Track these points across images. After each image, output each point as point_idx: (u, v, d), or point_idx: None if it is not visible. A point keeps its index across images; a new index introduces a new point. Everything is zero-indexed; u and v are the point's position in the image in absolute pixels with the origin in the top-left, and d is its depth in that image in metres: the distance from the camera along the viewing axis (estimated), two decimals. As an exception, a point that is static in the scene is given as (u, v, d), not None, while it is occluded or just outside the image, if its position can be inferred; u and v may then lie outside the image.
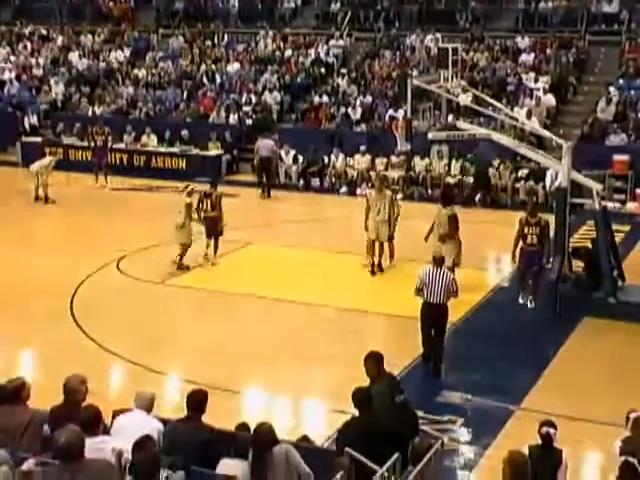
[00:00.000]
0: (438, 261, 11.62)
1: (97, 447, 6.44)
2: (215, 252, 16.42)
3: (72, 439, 5.98)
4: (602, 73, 25.95)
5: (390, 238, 15.85)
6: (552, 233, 14.16)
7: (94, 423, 6.67)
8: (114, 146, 25.73)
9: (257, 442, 6.96)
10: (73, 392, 7.31)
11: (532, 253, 13.91)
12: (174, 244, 16.26)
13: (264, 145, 23.64)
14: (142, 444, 6.35)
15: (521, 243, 14.07)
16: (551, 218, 14.55)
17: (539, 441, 7.35)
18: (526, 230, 13.90)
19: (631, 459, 6.71)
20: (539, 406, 10.40)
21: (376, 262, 15.74)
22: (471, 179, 22.07)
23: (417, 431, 7.81)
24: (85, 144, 25.21)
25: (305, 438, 8.13)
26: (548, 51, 26.50)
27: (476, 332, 13.13)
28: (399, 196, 17.02)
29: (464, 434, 10.09)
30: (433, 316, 11.44)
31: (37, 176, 21.48)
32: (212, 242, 16.35)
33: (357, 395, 7.77)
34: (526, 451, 6.99)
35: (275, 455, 6.83)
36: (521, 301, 14.23)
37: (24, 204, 21.34)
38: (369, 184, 23.00)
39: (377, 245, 15.76)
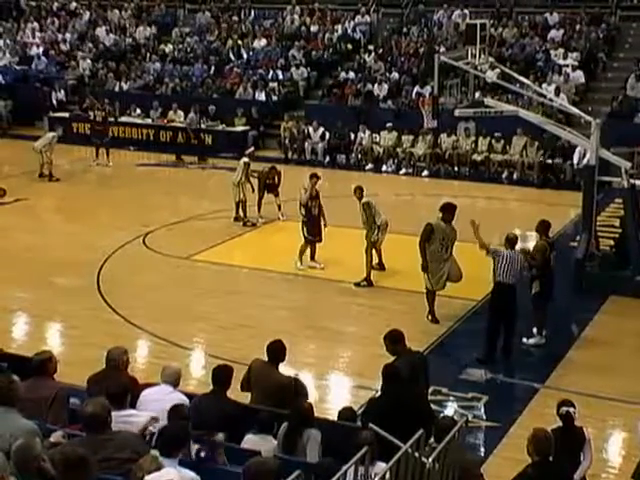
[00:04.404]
0: (514, 241, 11.41)
1: (124, 420, 6.50)
2: (279, 209, 17.78)
3: (98, 410, 6.05)
4: (633, 49, 25.59)
5: (371, 244, 14.20)
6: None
7: (122, 396, 6.74)
8: (140, 121, 25.89)
9: (293, 419, 7.04)
10: (113, 361, 7.62)
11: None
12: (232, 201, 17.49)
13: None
14: (176, 410, 6.53)
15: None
16: (579, 196, 14.45)
17: (560, 422, 7.32)
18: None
19: None
20: (564, 385, 10.38)
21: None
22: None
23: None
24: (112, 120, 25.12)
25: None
26: (578, 27, 26.17)
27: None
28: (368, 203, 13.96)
29: (488, 412, 10.09)
30: (508, 298, 11.15)
31: (41, 153, 21.38)
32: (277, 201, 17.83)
33: (385, 370, 7.83)
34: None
35: (304, 435, 6.92)
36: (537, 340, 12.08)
37: (49, 180, 21.45)
38: (395, 161, 23.01)
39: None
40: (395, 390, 7.64)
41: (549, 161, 21.52)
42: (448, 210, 12.53)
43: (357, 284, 14.09)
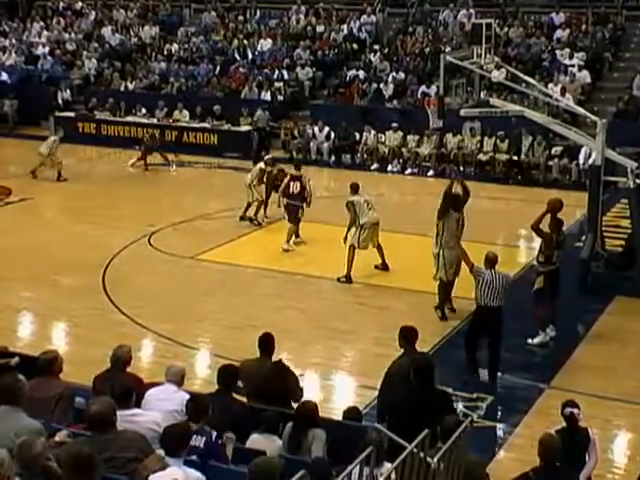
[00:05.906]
0: (493, 261, 10.82)
1: (129, 419, 6.51)
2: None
3: (104, 410, 6.06)
4: (638, 49, 25.57)
5: (350, 246, 14.23)
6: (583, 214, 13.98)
7: (127, 396, 6.75)
8: (145, 121, 25.94)
9: (298, 419, 7.05)
10: (118, 360, 7.66)
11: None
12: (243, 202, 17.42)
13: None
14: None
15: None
16: (584, 196, 14.43)
17: (564, 423, 7.31)
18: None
19: None
20: (569, 385, 10.36)
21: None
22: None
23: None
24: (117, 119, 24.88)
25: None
26: (583, 27, 26.13)
27: (506, 310, 13.03)
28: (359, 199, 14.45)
29: (493, 412, 10.07)
30: (491, 321, 10.72)
31: (49, 157, 21.33)
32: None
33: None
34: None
35: (309, 435, 6.95)
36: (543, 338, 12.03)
37: (54, 180, 21.47)
38: (400, 161, 23.00)
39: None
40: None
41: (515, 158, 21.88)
42: (454, 201, 12.77)
43: (338, 279, 14.15)
